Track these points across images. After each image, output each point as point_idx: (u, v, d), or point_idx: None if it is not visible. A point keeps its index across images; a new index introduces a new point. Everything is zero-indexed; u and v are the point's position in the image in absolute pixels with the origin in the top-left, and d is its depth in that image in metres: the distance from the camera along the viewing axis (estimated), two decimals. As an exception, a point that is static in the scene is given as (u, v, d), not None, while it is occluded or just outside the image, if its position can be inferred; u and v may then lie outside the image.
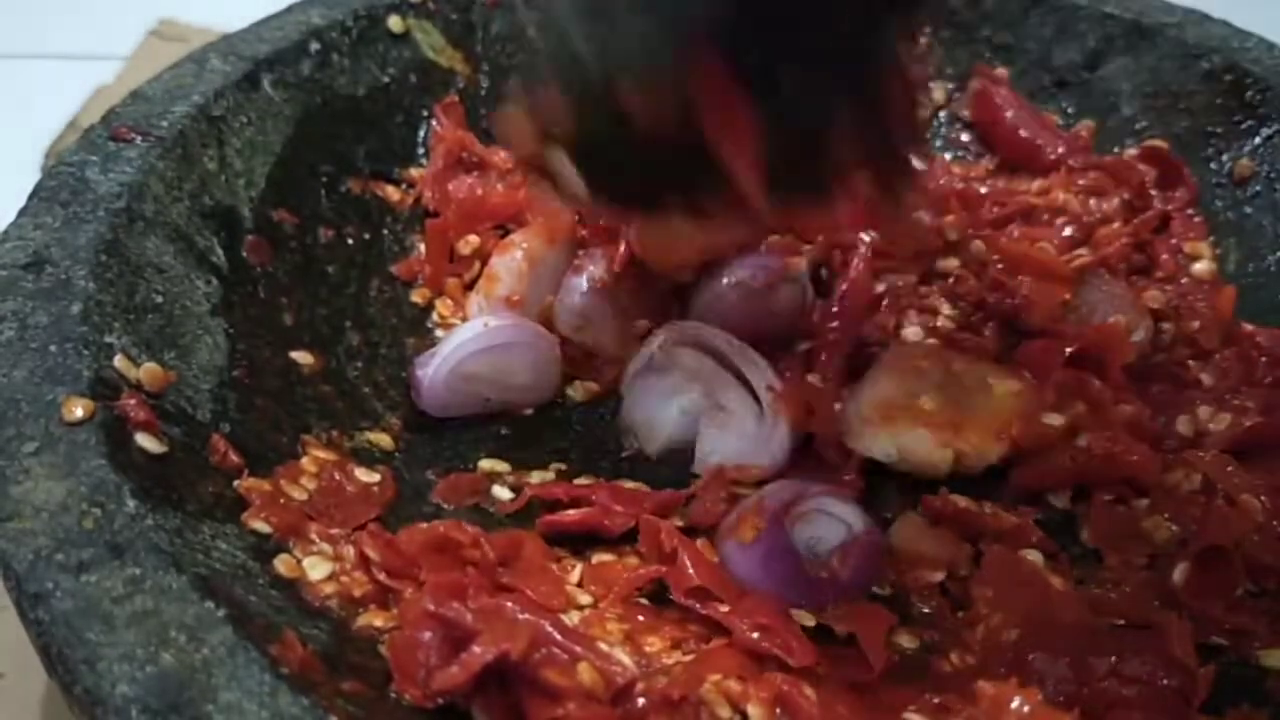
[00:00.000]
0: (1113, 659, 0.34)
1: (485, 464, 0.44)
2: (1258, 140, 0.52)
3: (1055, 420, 0.43)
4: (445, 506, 0.41)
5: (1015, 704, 0.30)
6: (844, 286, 0.48)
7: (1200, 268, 0.51)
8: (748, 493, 0.42)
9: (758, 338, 0.45)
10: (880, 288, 0.50)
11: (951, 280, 0.50)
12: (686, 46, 0.30)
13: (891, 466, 0.43)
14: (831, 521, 0.40)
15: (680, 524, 0.40)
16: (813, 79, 0.32)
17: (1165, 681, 0.34)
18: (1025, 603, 0.37)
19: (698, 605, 0.36)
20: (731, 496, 0.41)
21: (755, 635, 0.34)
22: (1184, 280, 0.51)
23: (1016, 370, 0.45)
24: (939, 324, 0.49)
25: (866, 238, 0.49)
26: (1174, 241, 0.52)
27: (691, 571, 0.37)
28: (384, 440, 0.43)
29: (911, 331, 0.48)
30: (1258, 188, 0.52)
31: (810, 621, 0.36)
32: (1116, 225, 0.52)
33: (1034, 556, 0.40)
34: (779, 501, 0.39)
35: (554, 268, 0.49)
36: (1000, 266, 0.49)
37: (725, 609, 0.35)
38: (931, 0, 0.36)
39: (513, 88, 0.36)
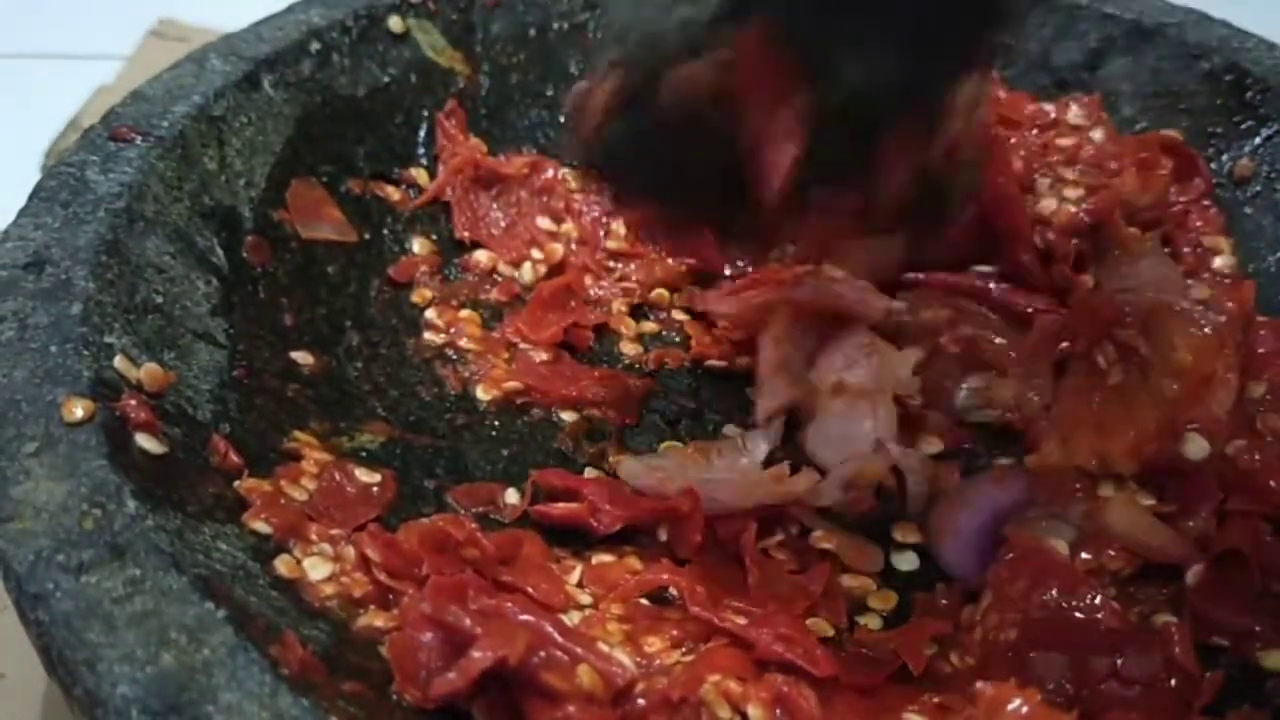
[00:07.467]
0: (1113, 660, 0.34)
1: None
2: (1258, 140, 0.52)
3: (1257, 389, 0.41)
4: (455, 507, 0.41)
5: (1015, 704, 0.30)
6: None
7: (1220, 262, 0.50)
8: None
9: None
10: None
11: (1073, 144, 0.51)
12: (745, 18, 0.30)
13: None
14: None
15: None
16: (871, 78, 0.31)
17: (1166, 683, 0.34)
18: (1026, 602, 0.37)
19: (715, 619, 0.35)
20: None
21: (778, 647, 0.34)
22: (1205, 275, 0.50)
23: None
24: (1068, 193, 0.49)
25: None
26: (1194, 235, 0.52)
27: (701, 587, 0.36)
28: (384, 441, 0.43)
29: (1045, 205, 0.49)
30: (1258, 188, 0.52)
31: (829, 632, 0.36)
32: None
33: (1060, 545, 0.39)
34: None
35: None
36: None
37: (743, 621, 0.35)
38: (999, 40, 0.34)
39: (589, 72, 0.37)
